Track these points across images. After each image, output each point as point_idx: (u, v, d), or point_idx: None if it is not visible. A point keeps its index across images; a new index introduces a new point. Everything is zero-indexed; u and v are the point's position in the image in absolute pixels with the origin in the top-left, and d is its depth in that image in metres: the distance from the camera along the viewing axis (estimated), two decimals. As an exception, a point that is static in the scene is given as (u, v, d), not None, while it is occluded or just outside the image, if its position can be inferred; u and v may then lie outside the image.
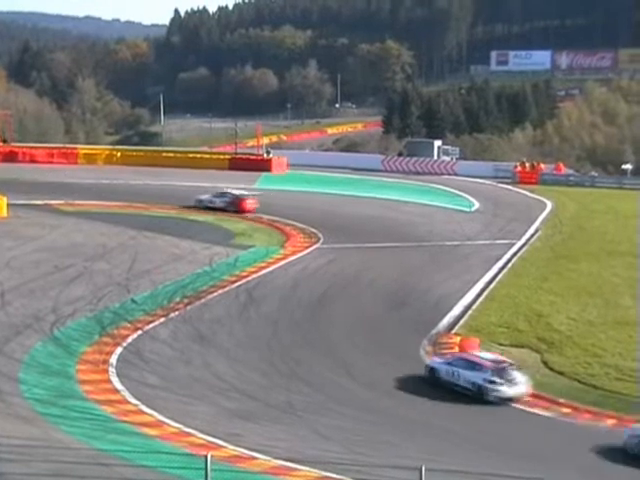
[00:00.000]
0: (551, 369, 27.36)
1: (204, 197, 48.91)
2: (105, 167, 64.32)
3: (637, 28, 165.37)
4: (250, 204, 48.05)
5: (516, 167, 63.98)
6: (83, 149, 71.48)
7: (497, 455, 20.46)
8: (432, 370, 25.37)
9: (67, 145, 77.86)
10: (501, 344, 29.18)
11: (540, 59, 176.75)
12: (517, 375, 24.67)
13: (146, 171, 61.14)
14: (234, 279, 34.78)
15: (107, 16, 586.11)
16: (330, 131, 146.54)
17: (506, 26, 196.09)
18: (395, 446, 20.22)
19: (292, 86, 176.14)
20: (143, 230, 42.38)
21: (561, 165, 67.89)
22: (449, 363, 25.30)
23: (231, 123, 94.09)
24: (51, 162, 65.12)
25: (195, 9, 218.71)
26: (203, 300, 32.07)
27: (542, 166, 65.41)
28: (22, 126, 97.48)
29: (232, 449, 18.63)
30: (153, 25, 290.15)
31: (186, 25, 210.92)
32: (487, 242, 42.48)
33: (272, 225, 45.13)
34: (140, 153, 69.99)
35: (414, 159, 66.97)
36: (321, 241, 41.76)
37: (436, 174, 64.08)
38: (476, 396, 24.14)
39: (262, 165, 63.59)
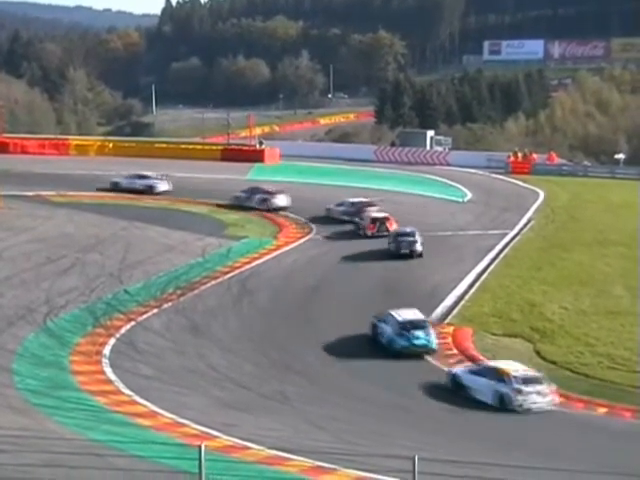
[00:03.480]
0: (544, 358, 27.48)
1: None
2: (97, 158, 64.07)
3: (629, 17, 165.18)
4: None
5: (509, 157, 63.87)
6: (75, 140, 71.06)
7: (489, 444, 20.51)
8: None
9: (59, 136, 77.53)
10: (494, 334, 29.27)
11: (533, 48, 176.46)
12: None
13: (138, 162, 60.93)
14: (227, 270, 34.79)
15: (98, 6, 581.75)
16: (322, 121, 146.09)
17: (499, 16, 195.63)
18: (388, 436, 20.26)
19: (284, 76, 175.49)
20: (135, 221, 42.30)
21: (554, 155, 67.73)
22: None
23: (223, 114, 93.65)
24: (43, 153, 64.75)
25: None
26: (196, 291, 32.09)
27: (535, 156, 65.25)
28: (13, 117, 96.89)
29: (226, 439, 18.66)
30: (144, 15, 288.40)
31: (178, 15, 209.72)
32: (480, 232, 42.48)
33: (265, 216, 45.07)
34: (132, 144, 69.70)
35: (407, 149, 66.82)
36: (314, 232, 41.74)
37: (429, 164, 63.96)
38: None
39: (255, 156, 63.37)
